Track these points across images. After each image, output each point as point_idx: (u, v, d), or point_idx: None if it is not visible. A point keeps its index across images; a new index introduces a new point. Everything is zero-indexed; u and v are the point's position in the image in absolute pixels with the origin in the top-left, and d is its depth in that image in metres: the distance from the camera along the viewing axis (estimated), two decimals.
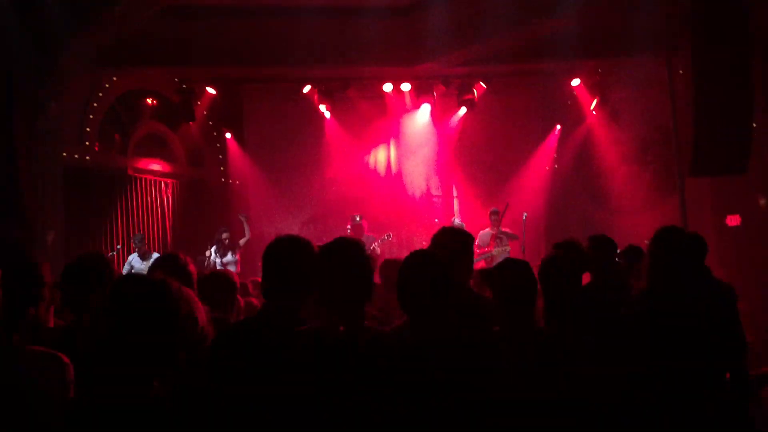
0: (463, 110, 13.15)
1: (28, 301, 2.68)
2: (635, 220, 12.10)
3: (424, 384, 2.61)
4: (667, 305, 3.43)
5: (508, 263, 3.32)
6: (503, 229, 11.02)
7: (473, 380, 2.69)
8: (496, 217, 11.11)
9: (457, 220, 11.29)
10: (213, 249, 10.76)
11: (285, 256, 2.73)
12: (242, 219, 11.29)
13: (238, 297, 4.34)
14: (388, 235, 11.12)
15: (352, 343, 2.60)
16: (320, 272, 2.73)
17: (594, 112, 12.85)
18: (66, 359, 2.26)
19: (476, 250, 10.69)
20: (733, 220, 10.92)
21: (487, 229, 11.11)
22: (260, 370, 2.48)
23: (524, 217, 10.84)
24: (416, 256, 2.97)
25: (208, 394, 2.38)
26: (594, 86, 12.80)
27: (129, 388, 1.97)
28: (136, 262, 10.42)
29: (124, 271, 10.27)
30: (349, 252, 2.80)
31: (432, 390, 2.61)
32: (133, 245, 10.75)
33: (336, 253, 2.79)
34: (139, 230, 11.86)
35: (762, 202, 10.64)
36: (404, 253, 3.06)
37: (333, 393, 2.46)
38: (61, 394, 2.18)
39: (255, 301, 5.22)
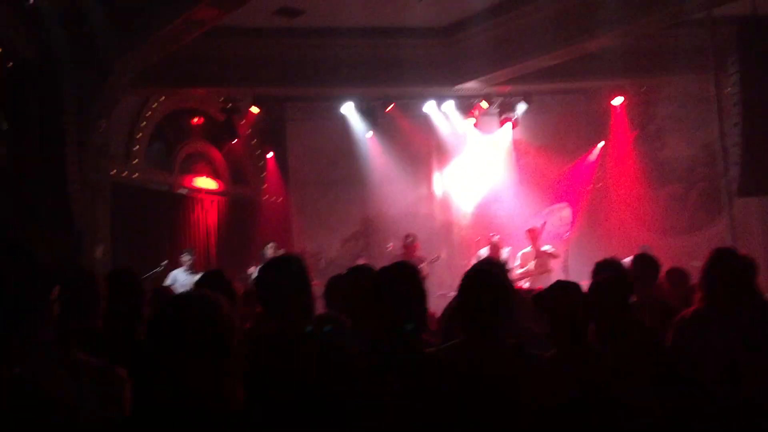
0: (505, 129, 13.11)
1: (86, 314, 2.73)
2: (680, 240, 11.90)
3: (476, 405, 2.61)
4: (717, 327, 3.38)
5: (560, 286, 3.31)
6: (543, 248, 10.85)
7: (531, 404, 2.69)
8: (535, 235, 10.98)
9: (496, 238, 11.15)
10: (256, 267, 10.81)
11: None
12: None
13: None
14: (438, 257, 11.08)
15: (410, 364, 2.61)
16: (374, 294, 2.75)
17: (638, 131, 12.69)
18: (123, 374, 2.28)
19: (517, 270, 10.59)
20: None
21: (528, 248, 10.99)
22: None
23: (566, 236, 10.73)
24: (477, 274, 2.98)
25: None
26: (638, 104, 12.66)
27: (181, 406, 1.98)
28: (180, 277, 10.52)
29: (168, 284, 10.37)
30: (403, 274, 2.81)
31: (486, 411, 2.61)
32: (181, 260, 10.80)
33: (390, 277, 2.81)
34: (183, 246, 12.03)
35: None
36: (444, 273, 3.08)
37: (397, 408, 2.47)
38: (117, 410, 2.19)
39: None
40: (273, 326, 2.79)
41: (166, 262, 11.12)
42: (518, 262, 10.82)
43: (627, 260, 5.06)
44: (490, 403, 2.63)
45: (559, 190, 13.04)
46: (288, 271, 2.84)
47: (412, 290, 2.74)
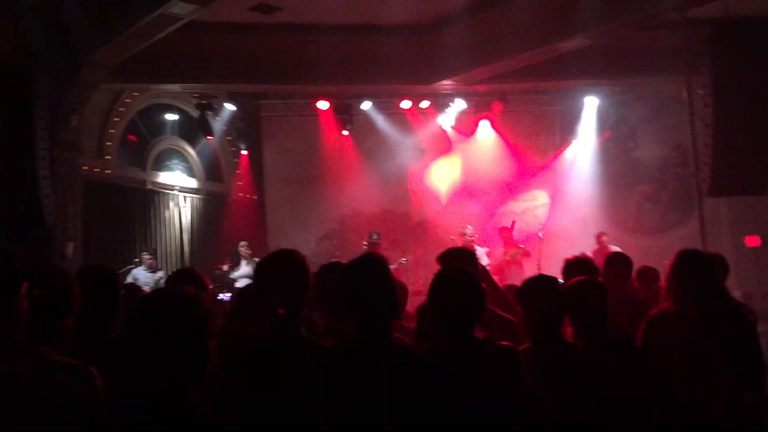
0: (480, 127, 13.16)
1: (59, 312, 2.68)
2: (652, 239, 12.04)
3: (453, 400, 2.62)
4: (689, 326, 3.42)
5: (541, 280, 3.33)
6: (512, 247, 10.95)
7: (502, 397, 2.70)
8: (507, 234, 11.08)
9: (469, 228, 11.20)
10: (230, 263, 10.74)
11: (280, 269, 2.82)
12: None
13: None
14: (406, 260, 11.01)
15: (383, 358, 2.60)
16: (350, 287, 2.74)
17: (611, 131, 12.82)
18: (95, 371, 2.25)
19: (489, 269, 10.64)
20: (752, 241, 10.83)
21: (501, 249, 11.08)
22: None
23: (540, 235, 10.80)
24: (453, 273, 2.97)
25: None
26: (612, 105, 12.79)
27: (161, 402, 1.96)
28: (141, 275, 10.42)
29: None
30: (377, 267, 2.80)
31: (461, 406, 2.62)
32: (144, 258, 10.74)
33: (365, 268, 2.80)
34: (156, 244, 11.93)
35: None
36: (421, 272, 3.09)
37: (366, 408, 2.46)
38: (92, 407, 2.17)
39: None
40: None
41: (137, 260, 11.03)
42: (489, 261, 10.88)
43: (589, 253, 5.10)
44: (467, 399, 2.64)
45: (533, 189, 13.14)
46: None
47: (384, 283, 2.74)
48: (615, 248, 10.26)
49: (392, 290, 2.74)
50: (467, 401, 2.63)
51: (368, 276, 2.74)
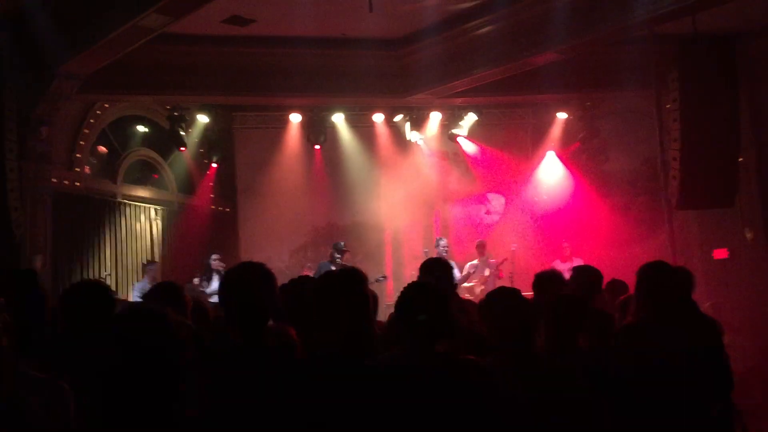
0: (452, 140, 13.25)
1: (36, 326, 2.65)
2: (623, 252, 12.14)
3: (421, 411, 2.62)
4: (653, 339, 3.45)
5: (499, 293, 3.34)
6: (490, 260, 11.13)
7: (471, 410, 2.70)
8: (482, 249, 11.22)
9: (443, 241, 11.29)
10: (201, 276, 10.65)
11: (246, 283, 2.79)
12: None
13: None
14: (383, 277, 10.94)
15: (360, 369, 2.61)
16: (324, 300, 2.75)
17: (582, 144, 12.96)
18: (67, 387, 2.23)
19: (462, 281, 10.71)
20: (720, 254, 10.99)
21: (475, 260, 11.17)
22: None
23: (513, 248, 10.87)
24: (414, 287, 2.99)
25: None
26: (583, 118, 12.94)
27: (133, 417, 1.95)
28: (147, 288, 10.24)
29: (134, 298, 10.09)
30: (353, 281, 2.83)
31: (428, 418, 2.62)
32: (146, 271, 10.57)
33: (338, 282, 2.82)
34: (127, 257, 11.80)
35: (749, 235, 10.73)
36: (394, 285, 3.10)
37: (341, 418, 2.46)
38: (61, 423, 2.15)
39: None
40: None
41: (108, 273, 10.89)
42: (465, 273, 10.94)
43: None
44: (427, 412, 2.64)
45: (505, 201, 13.24)
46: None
47: (357, 297, 2.75)
48: (578, 260, 10.38)
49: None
50: (418, 414, 2.62)
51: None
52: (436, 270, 4.26)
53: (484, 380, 2.78)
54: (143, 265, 11.01)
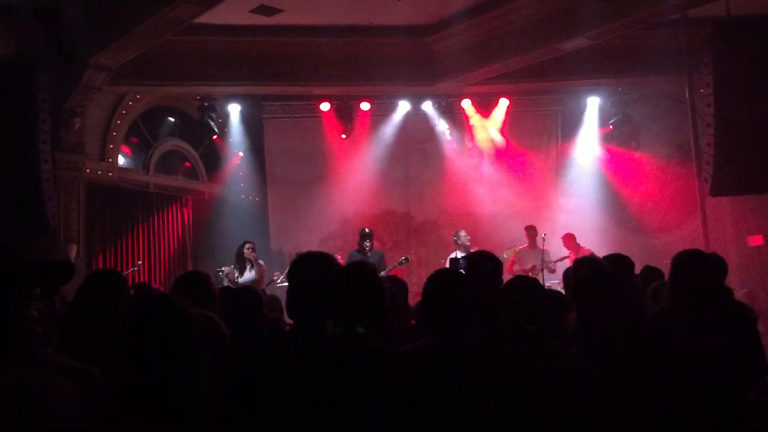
0: (482, 127, 13.18)
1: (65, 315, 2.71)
2: (655, 239, 12.02)
3: (444, 404, 2.61)
4: (687, 325, 3.42)
5: (439, 275, 3.15)
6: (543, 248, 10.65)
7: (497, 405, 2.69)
8: (533, 233, 10.82)
9: (462, 233, 11.00)
10: (233, 265, 10.69)
11: (314, 273, 2.70)
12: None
13: (265, 313, 4.32)
14: (405, 259, 10.81)
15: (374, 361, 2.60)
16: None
17: (613, 131, 12.80)
18: (99, 375, 2.28)
19: (517, 268, 10.53)
20: (755, 240, 10.81)
21: (526, 247, 10.91)
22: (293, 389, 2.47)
23: (543, 236, 10.77)
24: (441, 275, 2.98)
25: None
26: (614, 104, 12.77)
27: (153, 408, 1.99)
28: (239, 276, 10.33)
29: (225, 283, 10.03)
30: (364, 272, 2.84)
31: (452, 409, 2.61)
32: (248, 252, 10.41)
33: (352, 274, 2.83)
34: (158, 246, 11.94)
35: None
36: (422, 272, 3.11)
37: (357, 410, 2.46)
38: (94, 410, 2.19)
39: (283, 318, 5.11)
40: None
41: (140, 262, 11.03)
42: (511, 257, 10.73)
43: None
44: (453, 403, 2.63)
45: (535, 189, 13.13)
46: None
47: (365, 291, 2.76)
48: (586, 249, 10.14)
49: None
50: (438, 405, 2.59)
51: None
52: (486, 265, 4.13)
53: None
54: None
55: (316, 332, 2.56)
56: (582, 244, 10.56)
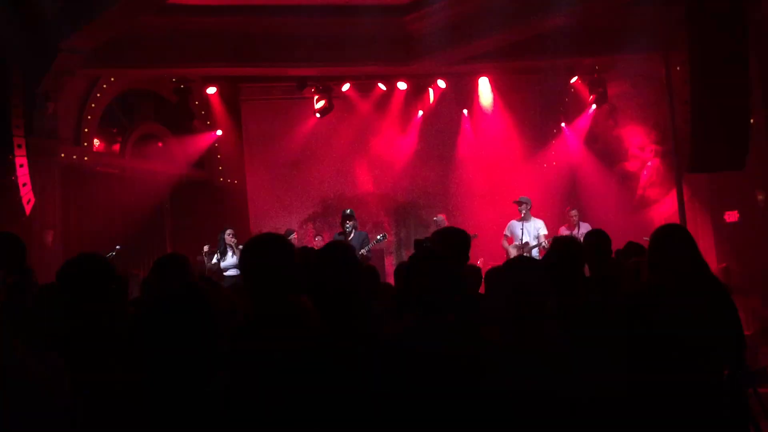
0: (462, 108, 13.18)
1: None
2: (634, 216, 12.13)
3: (426, 385, 2.62)
4: (665, 300, 3.45)
5: (420, 256, 3.16)
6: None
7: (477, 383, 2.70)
8: (526, 207, 10.83)
9: (439, 217, 11.08)
10: (210, 249, 10.59)
11: (264, 254, 2.73)
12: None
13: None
14: (383, 236, 10.85)
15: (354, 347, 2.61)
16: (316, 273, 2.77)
17: (592, 109, 12.85)
18: (63, 363, 2.25)
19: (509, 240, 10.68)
20: (731, 216, 10.94)
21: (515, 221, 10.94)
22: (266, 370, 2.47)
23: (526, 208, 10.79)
24: (422, 255, 2.98)
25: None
26: (591, 83, 12.81)
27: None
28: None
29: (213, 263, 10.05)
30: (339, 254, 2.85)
31: (435, 392, 2.62)
32: (229, 238, 10.26)
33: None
34: (136, 231, 11.82)
35: (760, 198, 10.66)
36: (405, 254, 3.11)
37: (336, 395, 2.46)
38: (62, 395, 2.17)
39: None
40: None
41: (118, 247, 10.92)
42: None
43: None
44: (439, 384, 2.64)
45: (518, 169, 13.17)
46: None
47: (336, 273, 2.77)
48: (585, 225, 10.29)
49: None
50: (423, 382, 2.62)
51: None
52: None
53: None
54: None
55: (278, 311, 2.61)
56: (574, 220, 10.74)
